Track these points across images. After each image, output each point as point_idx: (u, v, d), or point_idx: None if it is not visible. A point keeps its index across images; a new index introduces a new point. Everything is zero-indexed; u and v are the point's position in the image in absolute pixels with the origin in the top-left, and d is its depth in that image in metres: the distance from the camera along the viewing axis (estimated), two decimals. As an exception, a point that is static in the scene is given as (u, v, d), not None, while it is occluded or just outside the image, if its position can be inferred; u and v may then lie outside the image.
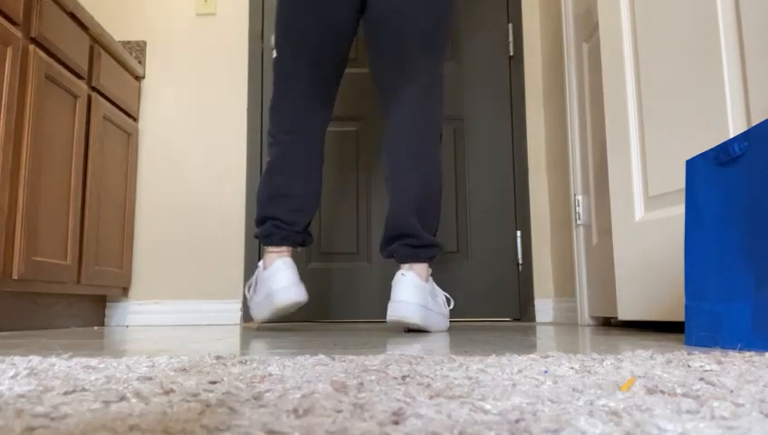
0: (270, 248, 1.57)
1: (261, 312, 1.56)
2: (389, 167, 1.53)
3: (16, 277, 1.60)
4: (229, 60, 2.50)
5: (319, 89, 1.62)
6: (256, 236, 1.61)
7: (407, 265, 1.48)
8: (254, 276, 1.61)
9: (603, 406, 0.38)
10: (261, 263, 1.59)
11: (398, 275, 1.47)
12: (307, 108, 1.61)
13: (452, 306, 1.60)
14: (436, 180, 1.53)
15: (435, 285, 1.54)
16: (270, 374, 0.55)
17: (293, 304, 1.51)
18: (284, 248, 1.57)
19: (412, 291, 1.43)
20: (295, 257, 2.34)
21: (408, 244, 1.48)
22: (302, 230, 1.59)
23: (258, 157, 2.42)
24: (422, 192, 1.50)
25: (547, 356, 0.68)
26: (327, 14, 1.56)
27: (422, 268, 1.49)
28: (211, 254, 2.38)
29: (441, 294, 1.54)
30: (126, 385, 0.48)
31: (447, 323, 1.56)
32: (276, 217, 1.57)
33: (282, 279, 1.51)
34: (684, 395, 0.42)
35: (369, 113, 2.46)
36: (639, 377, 0.51)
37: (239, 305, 2.33)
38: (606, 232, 1.82)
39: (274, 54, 1.64)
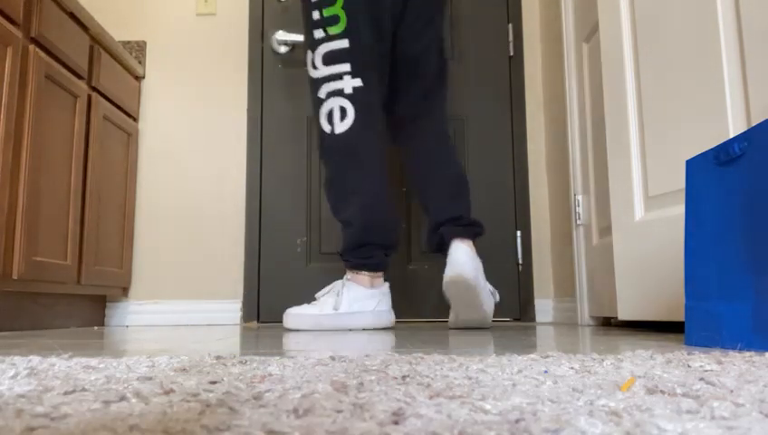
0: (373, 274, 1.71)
1: (358, 321, 1.66)
2: (423, 179, 1.74)
3: (16, 277, 1.60)
4: (229, 60, 2.50)
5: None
6: (352, 264, 1.71)
7: (458, 240, 1.64)
8: (339, 286, 1.70)
9: (603, 406, 0.38)
10: (351, 276, 1.69)
11: (453, 244, 1.63)
12: (382, 129, 1.76)
13: (497, 300, 1.71)
14: (464, 176, 1.77)
15: None
16: (270, 374, 0.55)
17: (384, 328, 1.68)
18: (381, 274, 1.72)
19: (469, 254, 1.60)
20: (297, 258, 2.34)
21: (456, 224, 1.66)
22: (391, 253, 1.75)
23: (258, 157, 2.42)
24: (457, 183, 1.72)
25: (547, 356, 0.68)
26: (385, 44, 1.76)
27: (470, 244, 1.65)
28: (211, 254, 2.38)
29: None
30: (126, 385, 0.48)
31: (492, 308, 1.67)
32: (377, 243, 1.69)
33: (387, 302, 1.71)
34: (684, 395, 0.42)
35: (369, 113, 2.46)
36: (639, 377, 0.51)
37: (239, 305, 2.33)
38: (606, 232, 1.82)
39: (359, 84, 1.69)
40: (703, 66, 1.27)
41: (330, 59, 1.68)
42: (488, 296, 1.63)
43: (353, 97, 1.67)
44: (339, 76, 1.67)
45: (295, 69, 2.47)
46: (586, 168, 1.98)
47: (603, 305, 1.82)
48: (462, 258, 1.59)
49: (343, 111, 1.66)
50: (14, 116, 1.61)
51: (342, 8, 1.67)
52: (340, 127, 1.66)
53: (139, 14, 2.53)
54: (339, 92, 1.67)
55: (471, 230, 1.66)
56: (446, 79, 1.87)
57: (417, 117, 1.81)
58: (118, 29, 2.52)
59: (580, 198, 2.01)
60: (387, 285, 1.72)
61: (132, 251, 2.36)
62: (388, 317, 1.69)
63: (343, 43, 1.67)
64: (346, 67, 1.67)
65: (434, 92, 1.83)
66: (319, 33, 1.69)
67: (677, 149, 1.34)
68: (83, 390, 0.46)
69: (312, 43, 1.71)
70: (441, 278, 2.36)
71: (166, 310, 2.33)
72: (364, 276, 1.68)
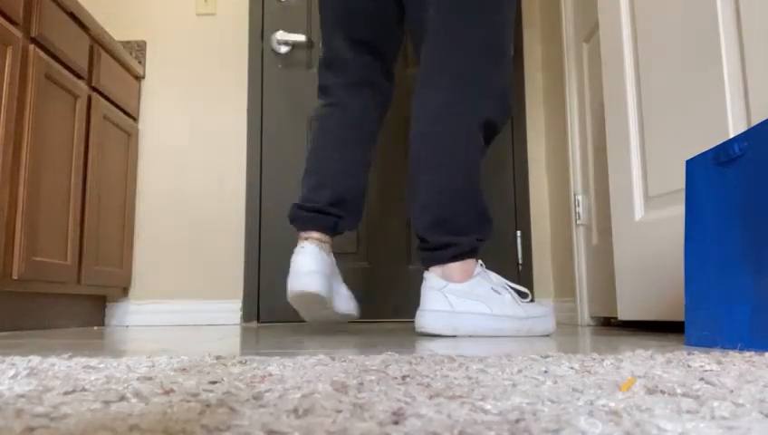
0: (300, 233, 1.46)
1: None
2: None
3: (16, 277, 1.60)
4: (229, 60, 2.50)
5: None
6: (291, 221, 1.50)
7: (428, 270, 1.35)
8: None
9: (603, 406, 0.38)
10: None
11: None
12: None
13: (528, 300, 1.36)
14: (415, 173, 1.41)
15: (488, 281, 1.33)
16: (270, 374, 0.55)
17: (301, 293, 1.36)
18: (313, 234, 1.43)
19: (425, 295, 1.31)
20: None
21: (421, 247, 1.36)
22: (325, 210, 1.43)
23: (258, 157, 2.41)
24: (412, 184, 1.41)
25: (547, 356, 0.68)
26: None
27: (444, 269, 1.32)
28: (211, 254, 2.38)
29: (504, 292, 1.32)
30: (126, 385, 0.48)
31: (503, 326, 1.28)
32: (301, 198, 1.47)
33: (295, 264, 1.39)
34: (684, 395, 0.42)
35: (369, 113, 2.46)
36: (639, 377, 0.51)
37: (239, 305, 2.33)
38: (606, 232, 1.82)
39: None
40: (703, 66, 1.27)
41: None
42: (477, 323, 1.28)
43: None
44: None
45: (295, 69, 2.46)
46: (586, 168, 1.98)
47: (603, 305, 1.81)
48: (421, 302, 1.32)
49: None
50: (14, 116, 1.61)
51: None
52: None
53: (139, 14, 2.53)
54: None
55: (439, 256, 1.33)
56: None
57: None
58: (118, 29, 2.52)
59: (580, 198, 2.01)
60: (303, 244, 1.43)
61: (132, 251, 2.36)
62: (291, 284, 1.41)
63: None
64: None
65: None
66: None
67: (677, 149, 1.34)
68: (83, 390, 0.46)
69: None
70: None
71: (166, 310, 2.33)
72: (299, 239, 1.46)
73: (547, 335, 1.30)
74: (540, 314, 1.32)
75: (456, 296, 1.29)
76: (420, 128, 1.37)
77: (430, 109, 1.36)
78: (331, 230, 1.46)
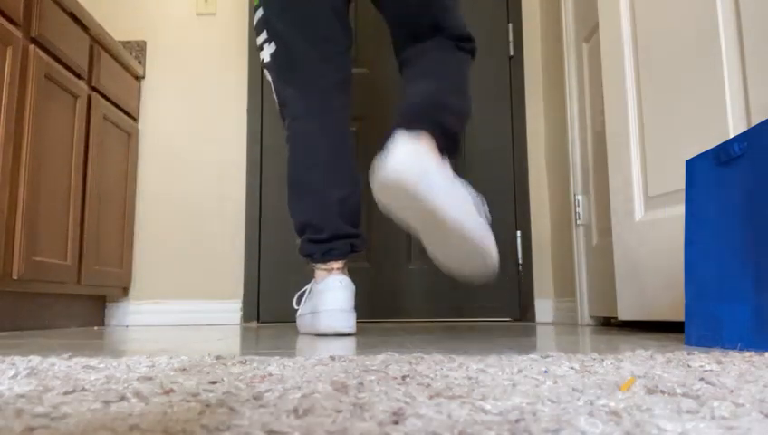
0: (318, 265, 1.38)
1: (304, 327, 1.42)
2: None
3: (16, 277, 1.60)
4: (229, 60, 2.50)
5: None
6: (305, 255, 1.41)
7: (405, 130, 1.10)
8: (309, 286, 1.43)
9: (603, 406, 0.38)
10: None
11: (395, 135, 1.08)
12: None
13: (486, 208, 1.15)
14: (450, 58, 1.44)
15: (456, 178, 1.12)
16: (270, 374, 0.55)
17: (336, 334, 1.31)
18: (334, 264, 1.35)
19: (412, 150, 1.02)
20: (297, 258, 2.34)
21: (409, 110, 1.24)
22: (341, 236, 1.36)
23: (258, 156, 2.41)
24: (434, 63, 1.44)
25: (547, 356, 0.68)
26: None
27: (432, 140, 1.10)
28: (211, 254, 2.38)
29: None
30: (126, 385, 0.48)
31: (474, 221, 1.05)
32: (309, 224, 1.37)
33: (330, 301, 1.31)
34: (684, 395, 0.42)
35: (369, 113, 2.46)
36: (639, 377, 0.51)
37: (239, 305, 2.33)
38: (606, 232, 1.82)
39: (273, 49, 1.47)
40: (703, 66, 1.27)
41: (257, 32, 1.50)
42: (470, 212, 1.03)
43: (270, 65, 1.46)
44: (260, 47, 1.48)
45: (295, 69, 2.46)
46: (586, 168, 1.98)
47: (603, 305, 1.81)
48: (397, 153, 0.99)
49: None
50: (14, 116, 1.61)
51: None
52: None
53: (139, 14, 2.53)
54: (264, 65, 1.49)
55: (425, 118, 1.11)
56: None
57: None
58: (118, 29, 2.52)
59: (580, 198, 2.01)
60: (336, 278, 1.34)
61: (132, 251, 2.36)
62: (324, 322, 1.32)
63: (259, 13, 1.46)
64: (264, 36, 1.45)
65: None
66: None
67: (677, 149, 1.34)
68: (83, 390, 0.46)
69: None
70: (442, 278, 2.35)
71: (166, 310, 2.33)
72: (318, 272, 1.38)
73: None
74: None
75: (451, 172, 1.10)
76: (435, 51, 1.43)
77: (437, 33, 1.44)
78: (351, 253, 1.39)
